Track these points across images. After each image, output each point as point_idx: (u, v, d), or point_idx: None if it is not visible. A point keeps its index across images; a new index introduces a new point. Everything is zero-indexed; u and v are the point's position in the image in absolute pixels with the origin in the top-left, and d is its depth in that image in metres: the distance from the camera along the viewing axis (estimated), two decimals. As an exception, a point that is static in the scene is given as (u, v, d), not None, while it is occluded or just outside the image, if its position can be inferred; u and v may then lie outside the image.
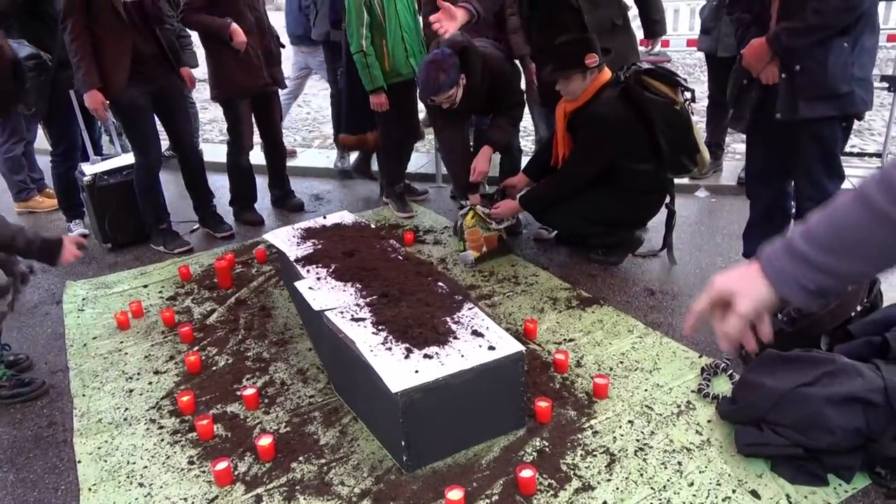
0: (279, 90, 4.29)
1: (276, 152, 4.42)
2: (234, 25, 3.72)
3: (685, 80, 3.22)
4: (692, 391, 2.40)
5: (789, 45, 2.49)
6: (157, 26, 3.62)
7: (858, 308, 2.33)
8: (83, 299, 3.40)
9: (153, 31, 3.60)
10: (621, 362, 2.60)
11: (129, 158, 4.18)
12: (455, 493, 1.91)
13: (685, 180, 4.40)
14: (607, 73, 3.19)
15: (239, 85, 3.91)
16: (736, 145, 5.25)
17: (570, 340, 2.77)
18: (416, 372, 2.03)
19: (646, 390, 2.43)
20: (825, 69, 2.49)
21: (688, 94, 3.18)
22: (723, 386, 2.41)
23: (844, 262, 0.93)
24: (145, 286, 3.52)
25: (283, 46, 4.24)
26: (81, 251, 2.63)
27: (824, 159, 2.68)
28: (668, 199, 3.39)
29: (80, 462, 2.24)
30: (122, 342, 2.97)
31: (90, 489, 2.11)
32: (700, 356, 2.61)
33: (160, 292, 3.44)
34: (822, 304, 2.36)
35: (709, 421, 2.24)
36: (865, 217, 0.90)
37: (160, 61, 3.68)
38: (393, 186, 4.33)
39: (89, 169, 4.00)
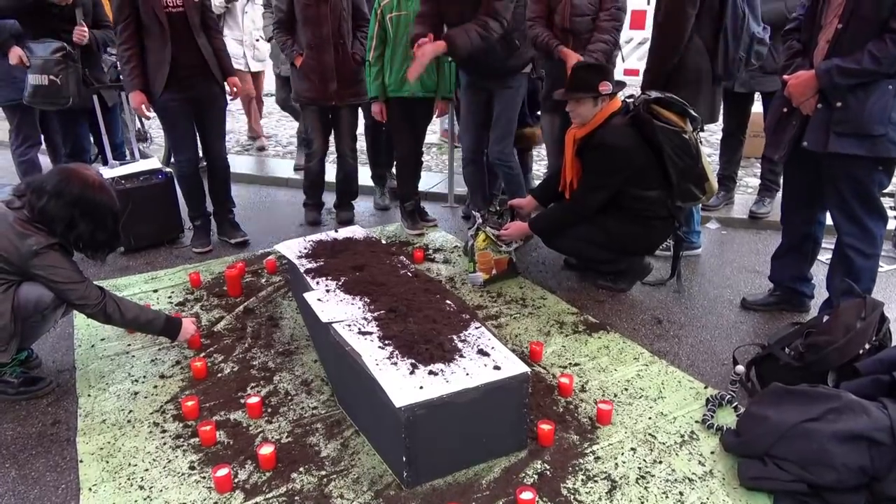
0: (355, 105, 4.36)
1: (339, 165, 4.53)
2: (297, 57, 4.08)
3: (694, 109, 3.24)
4: (696, 421, 2.39)
5: (838, 83, 2.49)
6: (201, 37, 3.76)
7: (867, 346, 2.32)
8: (93, 301, 3.43)
9: (195, 40, 3.73)
10: (626, 389, 2.60)
11: (146, 164, 4.25)
12: (454, 512, 1.91)
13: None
14: (617, 102, 3.23)
15: (299, 94, 4.23)
16: (748, 179, 5.26)
17: (576, 365, 2.77)
18: (421, 388, 2.04)
19: (650, 418, 2.42)
20: (863, 108, 2.49)
21: (696, 123, 3.21)
22: (727, 417, 2.40)
23: None
24: (155, 291, 3.55)
25: (362, 63, 4.23)
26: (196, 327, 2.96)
27: (861, 197, 2.67)
28: (676, 227, 3.40)
29: (81, 462, 2.25)
30: (129, 345, 2.99)
31: (90, 489, 2.12)
32: (705, 387, 2.60)
33: (170, 297, 3.47)
34: (829, 341, 2.35)
35: (712, 452, 2.23)
36: None
37: (199, 70, 3.80)
38: (404, 204, 4.37)
39: (107, 173, 4.06)
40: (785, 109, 2.75)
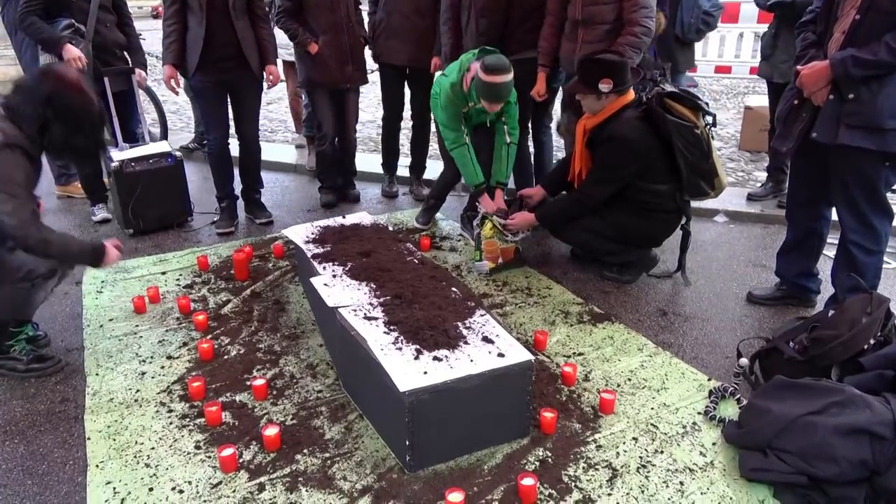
0: (359, 86, 4.49)
1: (344, 146, 4.66)
2: (312, 44, 4.13)
3: (707, 104, 3.23)
4: (699, 413, 2.40)
5: (852, 73, 2.46)
6: (240, 21, 3.82)
7: (871, 341, 2.32)
8: (102, 282, 3.46)
9: (232, 24, 3.79)
10: (629, 379, 2.61)
11: (156, 147, 4.26)
12: (455, 496, 1.92)
13: (706, 204, 4.40)
14: (630, 94, 3.21)
15: (312, 79, 4.30)
16: (757, 173, 5.24)
17: (580, 354, 2.78)
18: (425, 373, 2.05)
19: (652, 409, 2.42)
20: (876, 101, 2.46)
21: (709, 119, 3.19)
22: (730, 410, 2.41)
23: None
24: (163, 273, 3.57)
25: (367, 43, 4.40)
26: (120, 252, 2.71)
27: (866, 193, 2.65)
28: (683, 221, 3.39)
29: (89, 439, 2.28)
30: (137, 326, 3.02)
31: (97, 466, 2.15)
32: (709, 379, 2.60)
33: (178, 280, 3.49)
34: (834, 336, 2.35)
35: (714, 443, 2.24)
36: None
37: (233, 54, 3.86)
38: (429, 199, 4.31)
39: (117, 155, 4.08)
40: (796, 101, 2.73)
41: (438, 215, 4.40)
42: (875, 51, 2.39)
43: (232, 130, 4.17)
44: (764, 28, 4.51)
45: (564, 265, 3.71)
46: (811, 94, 2.62)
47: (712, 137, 3.21)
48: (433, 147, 4.97)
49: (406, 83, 4.62)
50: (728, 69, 9.05)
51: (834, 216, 2.90)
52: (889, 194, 2.73)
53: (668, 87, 3.19)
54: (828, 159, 2.70)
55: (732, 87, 8.73)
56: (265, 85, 4.11)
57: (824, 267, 3.26)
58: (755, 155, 5.69)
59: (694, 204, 3.48)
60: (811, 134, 2.64)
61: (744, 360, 2.63)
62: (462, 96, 3.49)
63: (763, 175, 4.90)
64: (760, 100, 5.68)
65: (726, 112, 7.34)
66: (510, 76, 3.26)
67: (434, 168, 4.91)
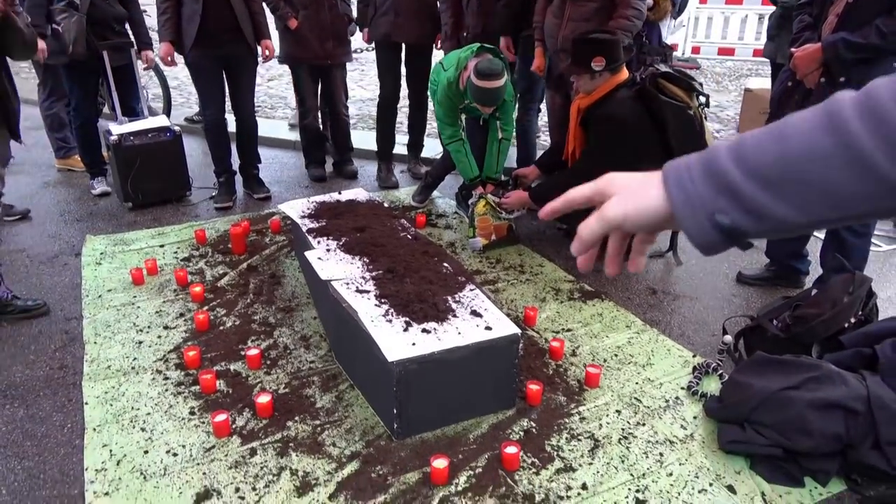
0: (345, 63, 4.54)
1: (335, 123, 4.70)
2: (292, 19, 4.14)
3: (701, 84, 3.24)
4: (682, 388, 2.45)
5: (843, 56, 2.48)
6: None
7: (852, 320, 2.37)
8: (101, 253, 3.52)
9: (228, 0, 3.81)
10: (616, 355, 2.66)
11: (155, 121, 4.29)
12: (440, 462, 1.99)
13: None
14: (624, 73, 3.23)
15: (292, 55, 4.30)
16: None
17: (568, 330, 2.83)
18: (414, 345, 2.10)
19: (637, 383, 2.48)
20: (865, 84, 2.48)
21: (702, 99, 3.20)
22: (712, 385, 2.46)
23: (781, 205, 0.65)
24: (162, 246, 3.62)
25: (352, 21, 4.44)
26: None
27: None
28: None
29: (87, 404, 2.35)
30: (135, 296, 3.07)
31: (95, 429, 2.22)
32: (694, 355, 2.66)
33: (175, 252, 3.54)
34: (816, 314, 2.40)
35: (695, 417, 2.30)
36: (833, 150, 0.62)
37: (230, 29, 3.88)
38: (427, 176, 4.33)
39: (116, 129, 4.11)
40: (790, 83, 2.76)
41: (435, 193, 4.43)
42: (866, 34, 2.41)
43: (228, 106, 4.19)
44: (768, 10, 4.53)
45: (557, 243, 3.75)
46: (803, 77, 2.64)
47: (706, 118, 3.22)
48: (431, 125, 4.98)
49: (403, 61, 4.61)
50: (731, 51, 9.02)
51: None
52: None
53: (663, 68, 3.20)
54: None
55: (735, 70, 8.69)
56: (260, 59, 4.12)
57: (815, 249, 3.30)
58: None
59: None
60: None
61: (728, 338, 2.68)
62: (459, 94, 3.53)
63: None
64: (761, 82, 5.68)
65: (728, 94, 7.33)
66: (502, 80, 3.31)
67: (432, 146, 4.95)
